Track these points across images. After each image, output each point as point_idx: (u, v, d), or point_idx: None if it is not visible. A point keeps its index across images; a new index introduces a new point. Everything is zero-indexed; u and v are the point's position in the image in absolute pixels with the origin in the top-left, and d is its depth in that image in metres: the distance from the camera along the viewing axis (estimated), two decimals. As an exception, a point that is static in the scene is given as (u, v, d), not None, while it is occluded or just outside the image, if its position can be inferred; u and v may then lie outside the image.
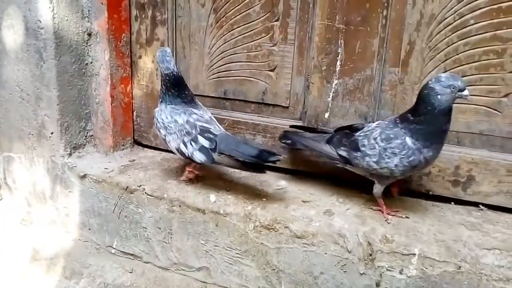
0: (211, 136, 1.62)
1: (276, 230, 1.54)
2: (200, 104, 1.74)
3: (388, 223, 1.52)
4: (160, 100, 1.71)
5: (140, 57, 2.01)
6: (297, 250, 1.52)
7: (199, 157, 1.62)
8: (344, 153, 1.55)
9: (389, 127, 1.47)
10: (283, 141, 1.74)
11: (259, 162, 1.56)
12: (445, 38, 1.55)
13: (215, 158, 1.61)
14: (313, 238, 1.49)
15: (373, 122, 1.57)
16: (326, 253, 1.48)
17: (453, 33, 1.54)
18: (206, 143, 1.61)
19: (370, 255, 1.43)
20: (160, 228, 1.73)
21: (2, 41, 1.90)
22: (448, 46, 1.55)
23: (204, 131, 1.64)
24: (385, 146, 1.44)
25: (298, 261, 1.52)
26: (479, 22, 1.50)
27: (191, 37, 1.90)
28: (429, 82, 1.37)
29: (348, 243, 1.46)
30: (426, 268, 1.37)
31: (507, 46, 1.49)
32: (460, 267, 1.35)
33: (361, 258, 1.44)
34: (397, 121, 1.46)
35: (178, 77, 1.67)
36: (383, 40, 1.61)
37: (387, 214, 1.55)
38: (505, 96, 1.53)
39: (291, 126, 1.79)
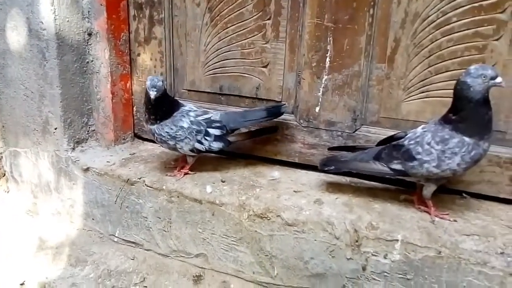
0: (217, 124, 1.77)
1: (268, 218, 1.62)
2: (182, 102, 1.83)
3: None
4: (152, 121, 1.74)
5: (138, 54, 2.08)
6: (288, 237, 1.60)
7: (217, 145, 1.78)
8: (398, 166, 1.51)
9: (438, 129, 1.46)
10: (325, 168, 1.66)
11: (272, 119, 1.78)
12: (429, 35, 1.62)
13: (230, 139, 1.80)
14: (303, 225, 1.58)
15: (416, 129, 1.55)
16: (315, 240, 1.57)
17: (436, 30, 1.61)
18: (217, 132, 1.76)
19: (356, 241, 1.51)
20: (160, 218, 1.82)
21: (7, 41, 1.98)
22: (432, 42, 1.62)
23: (209, 123, 1.76)
24: (442, 149, 1.43)
25: (289, 247, 1.61)
26: (461, 20, 1.57)
27: (187, 35, 1.98)
28: (460, 77, 1.39)
29: (336, 230, 1.54)
30: (409, 253, 1.46)
31: (487, 42, 1.56)
32: (440, 252, 1.43)
33: (348, 244, 1.53)
34: (442, 123, 1.46)
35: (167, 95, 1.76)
36: (370, 38, 1.69)
37: (435, 215, 1.56)
38: (486, 89, 1.60)
39: (329, 149, 1.80)
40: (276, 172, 1.88)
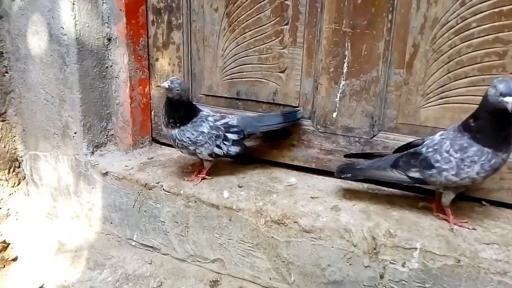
0: (235, 129, 1.79)
1: (285, 225, 1.62)
2: (199, 107, 1.85)
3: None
4: (174, 124, 1.75)
5: (157, 59, 2.10)
6: (305, 244, 1.60)
7: (234, 150, 1.80)
8: (416, 174, 1.50)
9: (457, 136, 1.44)
10: (342, 176, 1.65)
11: (289, 125, 1.83)
12: (448, 41, 1.60)
13: (247, 144, 1.82)
14: (321, 232, 1.57)
15: (434, 136, 1.53)
16: (333, 247, 1.56)
17: (456, 36, 1.59)
18: (235, 136, 1.79)
19: (374, 248, 1.51)
20: (177, 222, 1.83)
21: (28, 46, 2.01)
22: (451, 48, 1.60)
23: (227, 127, 1.79)
24: (461, 157, 1.41)
25: (306, 254, 1.61)
26: (481, 25, 1.55)
27: (205, 40, 1.99)
28: (489, 86, 1.35)
29: (353, 237, 1.53)
30: (427, 262, 1.44)
31: (508, 48, 1.53)
32: (459, 260, 1.42)
33: (366, 251, 1.52)
34: (461, 129, 1.44)
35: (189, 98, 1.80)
36: (388, 43, 1.67)
37: (454, 224, 1.54)
38: (507, 96, 1.58)
39: (345, 156, 1.79)
40: (292, 178, 1.88)
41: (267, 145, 1.95)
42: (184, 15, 1.98)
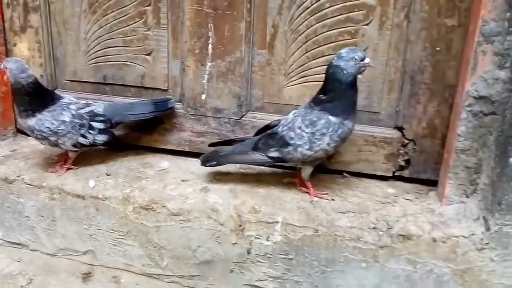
0: (101, 117, 1.72)
1: (154, 210, 1.61)
2: (60, 94, 1.76)
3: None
4: (26, 113, 1.64)
5: (15, 44, 1.95)
6: (175, 227, 1.60)
7: (101, 139, 1.74)
8: (275, 154, 1.56)
9: (308, 112, 1.52)
10: (207, 164, 1.68)
11: (160, 114, 1.79)
12: (304, 21, 1.65)
13: (115, 133, 1.78)
14: (189, 214, 1.58)
15: (288, 115, 1.60)
16: (201, 228, 1.57)
17: (311, 16, 1.64)
18: (101, 125, 1.72)
19: (240, 225, 1.54)
20: (43, 216, 1.74)
21: None
22: (308, 28, 1.66)
23: (92, 116, 1.71)
24: (312, 131, 1.49)
25: (176, 237, 1.61)
26: (333, 5, 1.61)
27: (65, 23, 1.88)
28: (333, 61, 1.45)
29: (220, 216, 1.56)
30: (289, 234, 1.51)
31: (359, 27, 1.62)
32: (317, 230, 1.50)
33: (233, 229, 1.55)
34: (312, 105, 1.52)
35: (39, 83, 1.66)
36: (249, 24, 1.70)
37: (314, 196, 1.62)
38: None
39: (209, 145, 1.77)
40: (165, 162, 1.86)
41: (140, 132, 1.91)
42: (41, -4, 1.85)
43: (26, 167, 1.80)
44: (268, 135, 1.60)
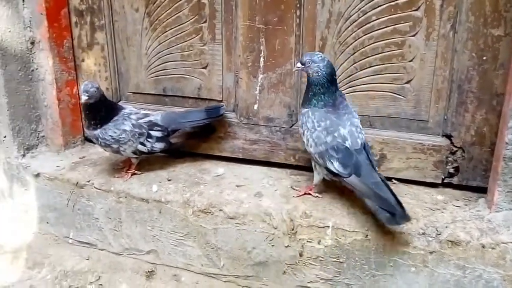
0: (158, 127, 1.85)
1: (212, 213, 1.72)
2: (121, 105, 1.92)
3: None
4: (93, 126, 1.81)
5: (83, 60, 2.13)
6: (231, 230, 1.71)
7: (159, 146, 1.87)
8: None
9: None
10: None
11: (213, 120, 1.91)
12: (352, 33, 1.72)
13: (172, 141, 1.91)
14: (244, 218, 1.68)
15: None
16: (255, 231, 1.67)
17: (358, 29, 1.71)
18: (159, 134, 1.85)
19: (292, 229, 1.63)
20: (110, 218, 1.89)
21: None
22: (355, 40, 1.73)
23: (151, 125, 1.85)
24: None
25: (233, 239, 1.71)
26: (380, 18, 1.67)
27: (128, 40, 2.03)
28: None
29: (273, 220, 1.65)
30: (339, 238, 1.58)
31: (405, 38, 1.67)
32: (367, 235, 1.56)
33: (285, 232, 1.64)
34: None
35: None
36: (298, 37, 1.78)
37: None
38: (407, 82, 1.72)
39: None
40: (220, 169, 1.98)
41: (196, 140, 2.03)
42: (106, 16, 2.01)
43: (94, 173, 1.97)
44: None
